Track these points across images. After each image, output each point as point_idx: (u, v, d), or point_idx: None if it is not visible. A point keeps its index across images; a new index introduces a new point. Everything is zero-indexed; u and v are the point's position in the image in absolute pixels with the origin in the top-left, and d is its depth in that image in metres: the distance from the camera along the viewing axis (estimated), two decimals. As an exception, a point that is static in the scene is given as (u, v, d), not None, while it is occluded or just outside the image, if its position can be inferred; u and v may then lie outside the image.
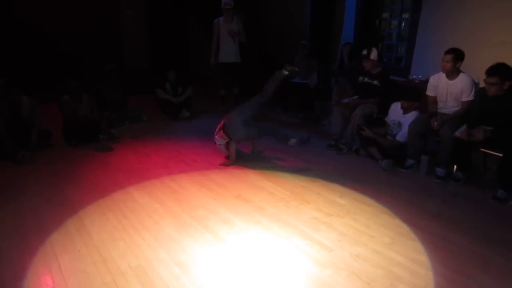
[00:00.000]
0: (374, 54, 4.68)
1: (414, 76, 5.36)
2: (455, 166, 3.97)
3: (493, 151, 3.72)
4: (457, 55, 3.91)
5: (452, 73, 3.99)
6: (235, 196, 3.56)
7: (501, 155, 3.56)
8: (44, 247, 2.71)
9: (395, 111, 4.48)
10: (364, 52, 4.71)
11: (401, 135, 4.26)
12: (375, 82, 4.77)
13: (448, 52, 3.94)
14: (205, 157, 4.54)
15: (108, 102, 5.71)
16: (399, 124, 4.37)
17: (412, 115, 4.29)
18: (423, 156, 4.12)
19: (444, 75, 4.07)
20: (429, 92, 4.25)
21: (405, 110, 4.33)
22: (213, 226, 3.02)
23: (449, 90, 4.06)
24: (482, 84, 3.85)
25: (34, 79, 6.08)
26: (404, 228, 3.02)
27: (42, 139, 4.69)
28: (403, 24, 6.21)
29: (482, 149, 3.82)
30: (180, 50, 8.95)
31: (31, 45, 6.73)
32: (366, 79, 4.86)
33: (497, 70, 3.47)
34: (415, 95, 4.35)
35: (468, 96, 3.95)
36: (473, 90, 3.94)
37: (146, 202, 3.40)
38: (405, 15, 6.08)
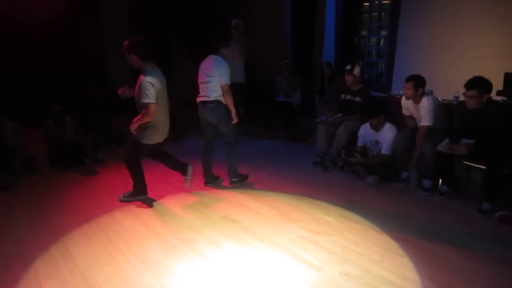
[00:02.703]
0: (357, 70, 4.79)
1: (396, 92, 5.46)
2: (439, 180, 4.02)
3: (476, 163, 3.79)
4: (417, 82, 4.00)
5: (415, 98, 4.08)
6: (222, 216, 3.53)
7: (484, 167, 3.63)
8: (28, 273, 2.65)
9: (366, 133, 4.53)
10: (348, 67, 4.80)
11: (385, 149, 4.31)
12: (357, 98, 4.85)
13: (408, 80, 4.05)
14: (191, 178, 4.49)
15: (92, 126, 5.65)
16: (377, 143, 4.43)
17: (387, 129, 4.36)
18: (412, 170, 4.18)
19: None
20: (404, 112, 4.36)
21: (376, 127, 4.39)
22: (200, 248, 2.98)
23: (418, 112, 4.15)
24: (462, 98, 3.95)
25: (17, 105, 6.00)
26: (393, 244, 3.02)
27: (26, 164, 4.62)
28: (382, 41, 6.36)
29: (465, 162, 3.89)
30: (164, 73, 8.97)
31: (14, 70, 6.65)
32: (348, 97, 4.93)
33: (476, 83, 3.55)
34: (378, 109, 4.41)
35: (425, 121, 4.03)
36: (432, 115, 3.99)
37: (132, 225, 3.34)
38: (384, 32, 6.24)
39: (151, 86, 3.42)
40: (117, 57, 8.30)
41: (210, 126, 4.12)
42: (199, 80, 4.06)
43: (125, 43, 3.52)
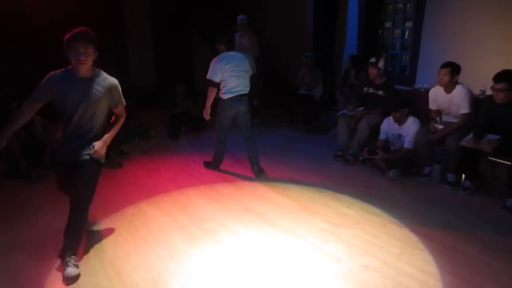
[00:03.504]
0: (381, 63, 4.77)
1: (419, 85, 5.39)
2: (463, 175, 3.98)
3: (501, 159, 3.73)
4: (454, 69, 3.95)
5: (449, 86, 4.03)
6: (244, 208, 3.60)
7: (510, 163, 3.57)
8: (60, 261, 2.75)
9: (389, 126, 4.50)
10: (373, 59, 4.78)
11: (408, 143, 4.28)
12: (380, 92, 4.82)
13: (444, 66, 3.99)
14: (213, 170, 4.59)
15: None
16: (400, 136, 4.41)
17: (410, 123, 4.32)
18: (435, 164, 4.15)
19: (441, 88, 4.11)
20: (431, 106, 4.31)
21: (399, 121, 4.36)
22: (222, 238, 3.07)
23: (449, 103, 4.10)
24: (488, 92, 3.88)
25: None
26: (413, 238, 3.03)
27: (55, 158, 4.78)
28: (406, 33, 6.26)
29: (490, 158, 3.83)
30: (185, 66, 9.08)
31: (41, 66, 6.85)
32: (370, 90, 4.91)
33: (505, 77, 3.48)
34: (402, 103, 4.38)
35: (464, 109, 3.98)
36: (470, 102, 3.97)
37: (157, 216, 3.46)
38: (408, 24, 6.13)
39: None
40: (139, 50, 8.52)
41: (232, 120, 4.29)
42: (232, 75, 4.15)
43: (92, 32, 2.69)
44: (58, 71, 2.70)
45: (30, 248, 2.95)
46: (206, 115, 4.29)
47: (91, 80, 2.72)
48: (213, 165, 4.59)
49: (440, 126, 4.08)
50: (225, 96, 4.19)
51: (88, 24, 2.86)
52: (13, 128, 2.63)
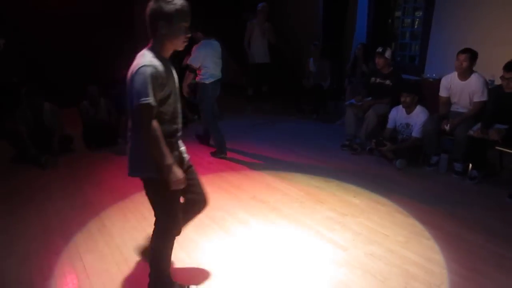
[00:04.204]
0: (388, 53, 4.74)
1: (428, 75, 5.35)
2: (470, 165, 3.96)
3: (509, 149, 3.71)
4: (473, 55, 3.91)
5: (466, 73, 3.98)
6: (251, 197, 3.63)
7: (516, 153, 3.55)
8: (69, 247, 2.83)
9: (398, 115, 4.49)
10: (379, 49, 4.76)
11: (416, 132, 4.27)
12: (387, 81, 4.80)
13: (464, 51, 3.94)
14: (220, 159, 4.61)
15: (125, 107, 5.81)
16: (408, 126, 4.39)
17: (419, 112, 4.30)
18: (442, 154, 4.14)
19: (456, 75, 4.08)
20: (442, 93, 4.26)
21: (408, 107, 4.34)
22: (230, 226, 3.10)
23: (462, 90, 4.06)
24: (497, 82, 3.84)
25: (54, 86, 6.26)
26: (419, 227, 3.04)
27: (63, 144, 4.83)
28: (416, 22, 6.19)
29: (497, 148, 3.81)
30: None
31: (51, 52, 6.91)
32: (378, 80, 4.89)
33: None
34: (416, 88, 4.39)
35: (480, 97, 3.95)
36: (486, 90, 3.93)
37: (165, 204, 3.49)
38: (418, 13, 6.06)
39: None
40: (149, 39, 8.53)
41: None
42: (212, 62, 4.41)
43: None
44: (148, 59, 1.92)
45: (40, 236, 3.00)
46: (185, 92, 4.58)
47: (169, 59, 2.10)
48: (219, 152, 4.63)
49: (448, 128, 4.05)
50: (208, 81, 4.40)
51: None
52: (166, 149, 2.02)
